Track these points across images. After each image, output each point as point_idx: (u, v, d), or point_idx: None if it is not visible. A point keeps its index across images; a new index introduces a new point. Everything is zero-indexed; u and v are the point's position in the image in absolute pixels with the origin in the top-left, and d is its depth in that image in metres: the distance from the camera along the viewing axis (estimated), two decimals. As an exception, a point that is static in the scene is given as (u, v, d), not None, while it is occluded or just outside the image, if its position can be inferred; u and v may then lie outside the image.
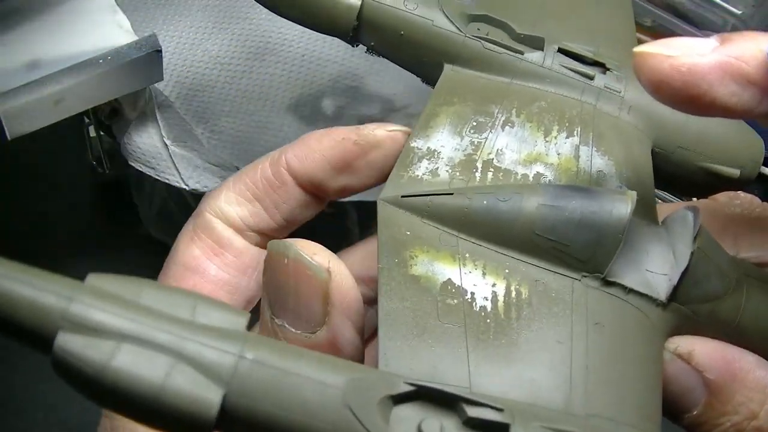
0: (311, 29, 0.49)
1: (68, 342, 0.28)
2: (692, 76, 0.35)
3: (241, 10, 0.71)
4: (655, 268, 0.40)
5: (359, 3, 0.47)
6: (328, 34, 0.49)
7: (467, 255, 0.38)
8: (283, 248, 0.38)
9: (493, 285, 0.38)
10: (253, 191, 0.45)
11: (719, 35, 0.37)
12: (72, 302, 0.29)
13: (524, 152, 0.42)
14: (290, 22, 0.49)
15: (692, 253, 0.39)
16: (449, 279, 0.37)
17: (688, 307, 0.40)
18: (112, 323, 0.29)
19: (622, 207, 0.38)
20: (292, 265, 0.38)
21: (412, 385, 0.32)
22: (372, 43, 0.48)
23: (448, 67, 0.46)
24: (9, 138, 0.54)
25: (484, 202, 0.39)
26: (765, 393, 0.40)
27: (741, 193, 0.49)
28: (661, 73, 0.35)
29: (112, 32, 0.59)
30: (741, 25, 0.98)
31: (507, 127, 0.43)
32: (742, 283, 0.41)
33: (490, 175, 0.41)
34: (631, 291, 0.39)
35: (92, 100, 0.56)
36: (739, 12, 0.98)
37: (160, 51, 0.58)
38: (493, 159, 0.42)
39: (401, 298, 0.37)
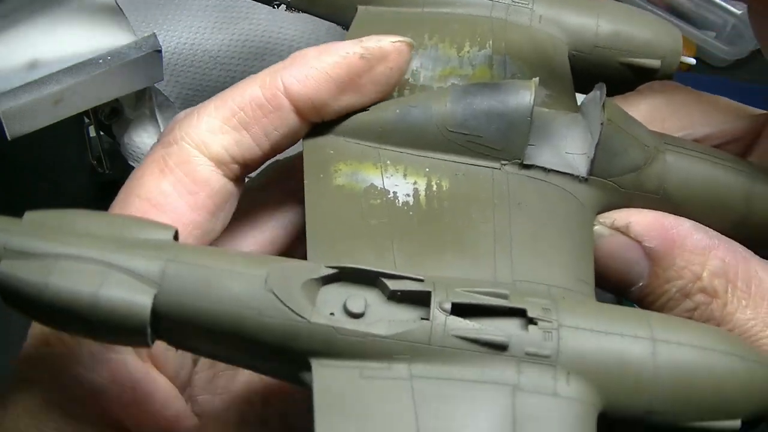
0: None
1: (9, 268, 0.32)
2: None
3: (241, 10, 0.71)
4: (574, 150, 0.42)
5: None
6: None
7: (388, 162, 0.41)
8: None
9: (414, 183, 0.40)
10: (241, 118, 0.40)
11: None
12: (10, 234, 0.33)
13: (438, 69, 0.44)
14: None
15: (602, 124, 0.40)
16: (372, 184, 0.40)
17: (612, 180, 0.42)
18: (47, 247, 0.32)
19: (524, 92, 0.40)
20: None
21: (333, 267, 0.34)
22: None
23: (361, 9, 0.47)
24: (9, 138, 0.54)
25: (397, 110, 0.41)
26: (705, 255, 0.41)
27: (666, 81, 0.50)
28: None
29: (112, 32, 0.59)
30: (741, 24, 0.98)
31: (420, 50, 0.45)
32: (663, 151, 0.43)
33: (407, 92, 0.43)
34: (550, 171, 0.41)
35: (92, 100, 0.57)
36: (739, 12, 0.98)
37: (160, 51, 0.58)
38: (408, 79, 0.44)
39: (326, 205, 0.39)
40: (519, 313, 0.34)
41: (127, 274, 0.32)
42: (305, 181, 0.40)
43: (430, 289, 0.34)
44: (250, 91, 0.40)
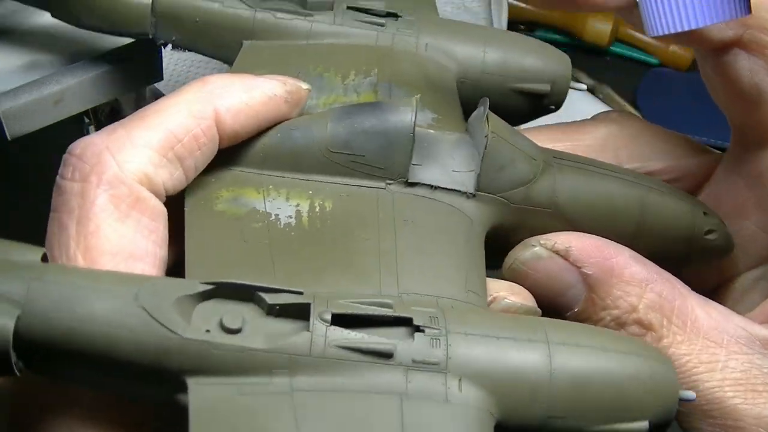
0: (119, 35, 0.51)
1: None
2: None
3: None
4: (461, 168, 0.41)
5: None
6: (135, 37, 0.50)
7: (270, 186, 0.40)
8: None
9: (297, 205, 0.39)
10: (178, 151, 0.38)
11: None
12: None
13: (323, 97, 0.44)
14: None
15: (486, 137, 0.40)
16: (253, 208, 0.39)
17: (502, 195, 0.42)
18: None
19: (405, 110, 0.40)
20: None
21: (209, 284, 0.33)
22: (174, 38, 0.49)
23: (246, 43, 0.47)
24: (9, 138, 0.54)
25: (278, 134, 0.41)
26: (642, 287, 0.41)
27: (624, 113, 0.51)
28: None
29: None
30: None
31: (305, 80, 0.44)
32: (552, 165, 0.43)
33: None
34: (437, 188, 0.41)
35: (92, 100, 0.56)
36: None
37: (161, 51, 0.58)
38: None
39: (206, 230, 0.38)
40: (404, 322, 0.33)
41: None
42: (185, 209, 0.39)
43: (309, 301, 0.33)
44: (184, 121, 0.39)
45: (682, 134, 0.51)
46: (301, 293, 0.33)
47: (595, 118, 0.52)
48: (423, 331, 0.33)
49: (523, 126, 0.50)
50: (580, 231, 0.42)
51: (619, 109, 0.52)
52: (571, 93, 1.05)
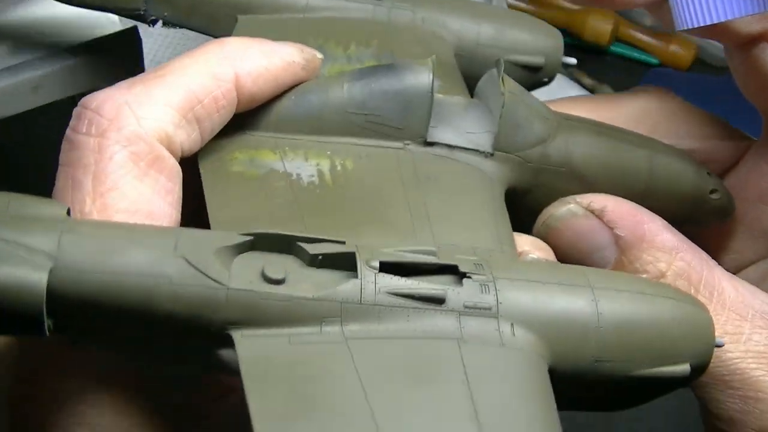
0: (110, 11, 0.49)
1: None
2: None
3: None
4: (476, 129, 0.42)
5: None
6: (126, 14, 0.49)
7: (287, 148, 0.39)
8: None
9: (317, 165, 0.39)
10: (198, 112, 0.37)
11: None
12: None
13: (327, 67, 0.44)
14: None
15: (502, 94, 0.41)
16: (272, 169, 0.38)
17: (518, 155, 0.42)
18: None
19: (423, 69, 0.40)
20: None
21: (247, 234, 0.31)
22: (165, 14, 0.48)
23: (242, 17, 0.47)
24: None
25: (293, 98, 0.40)
26: (671, 254, 0.41)
27: (662, 88, 0.52)
28: None
29: (99, 22, 0.60)
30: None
31: None
32: (565, 125, 0.44)
33: None
34: (455, 148, 0.41)
35: (71, 89, 0.57)
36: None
37: (140, 42, 0.59)
38: None
39: (227, 191, 0.37)
40: (450, 269, 0.33)
41: (17, 249, 0.29)
42: (201, 171, 0.38)
43: (353, 250, 0.32)
44: (205, 82, 0.38)
45: (718, 116, 0.52)
46: (343, 243, 0.32)
47: (635, 91, 0.52)
48: (470, 277, 0.33)
49: (558, 97, 0.51)
50: (593, 191, 0.43)
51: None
52: (571, 93, 1.05)
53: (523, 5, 1.16)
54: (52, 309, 0.29)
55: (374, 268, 0.32)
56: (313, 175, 0.38)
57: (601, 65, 1.15)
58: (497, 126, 0.41)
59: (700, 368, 0.36)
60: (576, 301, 0.34)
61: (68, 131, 0.37)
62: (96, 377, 0.36)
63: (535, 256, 0.40)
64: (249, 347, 0.30)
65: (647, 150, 0.45)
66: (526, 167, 0.42)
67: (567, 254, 0.42)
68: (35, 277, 0.28)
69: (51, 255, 0.29)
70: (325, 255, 0.32)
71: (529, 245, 0.41)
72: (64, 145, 0.37)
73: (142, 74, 0.38)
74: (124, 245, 0.30)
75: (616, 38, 1.16)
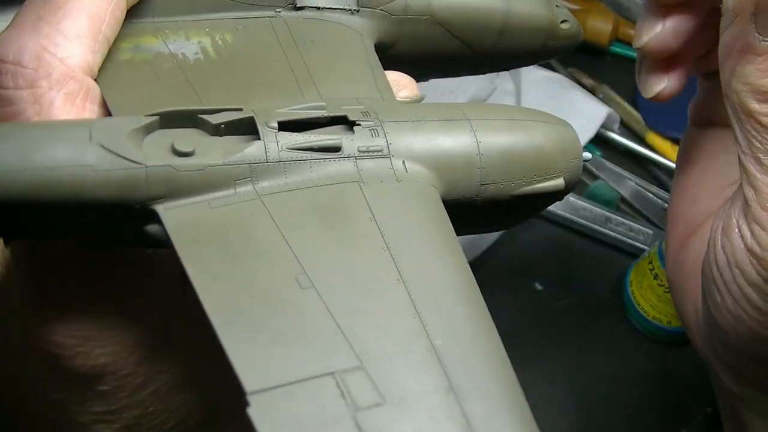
0: None
1: None
2: None
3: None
4: None
5: None
6: None
7: (167, 31, 0.41)
8: None
9: (199, 42, 0.41)
10: (105, 31, 0.38)
11: None
12: None
13: None
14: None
15: None
16: (158, 52, 0.40)
17: (382, 8, 0.45)
18: None
19: None
20: None
21: (152, 115, 0.34)
22: None
23: None
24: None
25: None
26: None
27: None
28: None
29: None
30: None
31: None
32: None
33: None
34: (323, 9, 0.44)
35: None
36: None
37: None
38: None
39: (119, 79, 0.38)
40: (341, 120, 0.36)
41: None
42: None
43: (251, 115, 0.35)
44: (98, 1, 0.38)
45: None
46: (240, 110, 0.35)
47: None
48: (360, 124, 0.36)
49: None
50: (454, 33, 0.47)
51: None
52: (571, 93, 1.05)
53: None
54: None
55: (273, 128, 0.35)
56: (197, 53, 0.41)
57: (601, 65, 1.15)
58: None
59: (572, 182, 0.41)
60: (457, 133, 0.38)
61: None
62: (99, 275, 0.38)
63: (404, 93, 0.43)
64: (173, 217, 0.33)
65: None
66: (390, 20, 0.46)
67: None
68: None
69: None
70: (227, 123, 0.35)
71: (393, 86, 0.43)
72: None
73: (32, 9, 0.37)
74: (44, 142, 0.32)
75: (616, 38, 1.16)
